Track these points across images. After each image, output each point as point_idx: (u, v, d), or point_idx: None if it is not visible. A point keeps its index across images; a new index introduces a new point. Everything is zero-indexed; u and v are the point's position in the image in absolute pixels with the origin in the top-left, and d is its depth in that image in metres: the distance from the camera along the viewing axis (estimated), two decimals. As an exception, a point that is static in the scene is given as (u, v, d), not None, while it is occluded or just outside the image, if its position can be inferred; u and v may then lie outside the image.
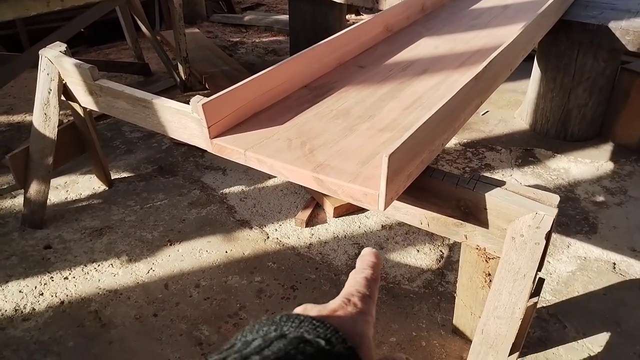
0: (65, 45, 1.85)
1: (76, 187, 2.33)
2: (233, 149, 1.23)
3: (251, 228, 2.11)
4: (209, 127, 1.24)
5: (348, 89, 1.57)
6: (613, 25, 2.28)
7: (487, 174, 2.40)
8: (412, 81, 1.63)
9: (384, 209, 1.06)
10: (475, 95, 1.42)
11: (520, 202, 1.15)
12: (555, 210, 1.12)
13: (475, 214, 1.23)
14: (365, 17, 5.11)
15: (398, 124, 1.35)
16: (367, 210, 2.21)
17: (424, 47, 1.92)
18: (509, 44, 1.57)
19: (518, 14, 2.26)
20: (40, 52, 1.86)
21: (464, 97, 1.31)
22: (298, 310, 0.38)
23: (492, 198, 1.17)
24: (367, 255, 0.48)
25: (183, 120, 1.58)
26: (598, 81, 2.51)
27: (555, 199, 1.15)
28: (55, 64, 1.82)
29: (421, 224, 1.34)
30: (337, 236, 2.07)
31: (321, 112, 1.41)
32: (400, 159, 1.05)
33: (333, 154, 1.20)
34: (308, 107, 1.45)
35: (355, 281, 0.43)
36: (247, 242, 2.03)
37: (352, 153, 1.21)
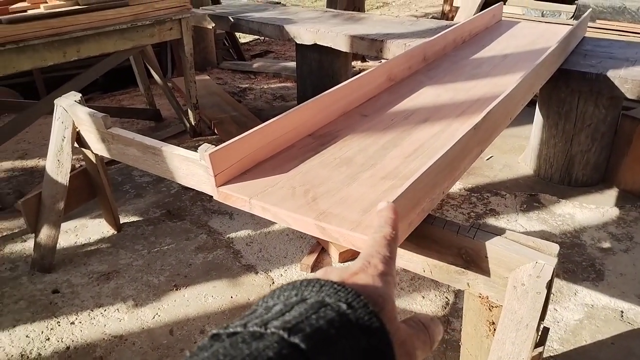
0: (80, 95, 1.93)
1: (85, 231, 2.37)
2: (238, 197, 1.27)
3: (257, 273, 2.12)
4: (215, 176, 1.28)
5: (352, 137, 1.62)
6: (612, 74, 2.34)
7: (492, 220, 2.42)
8: (414, 130, 1.68)
9: (385, 257, 1.08)
10: (475, 144, 1.46)
11: (521, 251, 1.16)
12: (555, 260, 1.14)
13: (477, 262, 1.24)
14: (371, 64, 5.25)
15: (399, 172, 1.38)
16: (372, 255, 2.22)
17: (426, 96, 1.98)
18: (507, 94, 1.62)
19: (518, 64, 2.32)
20: (56, 101, 1.94)
21: (463, 146, 1.35)
22: (319, 274, 0.38)
23: (493, 247, 1.19)
24: (384, 211, 0.46)
25: (191, 167, 1.63)
26: (600, 127, 2.55)
27: (555, 248, 1.16)
28: (70, 113, 1.89)
29: (424, 271, 1.35)
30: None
31: (325, 161, 1.45)
32: (402, 208, 1.08)
33: (335, 202, 1.23)
34: (312, 155, 1.49)
35: (374, 241, 0.42)
36: (252, 288, 2.04)
37: (354, 201, 1.24)
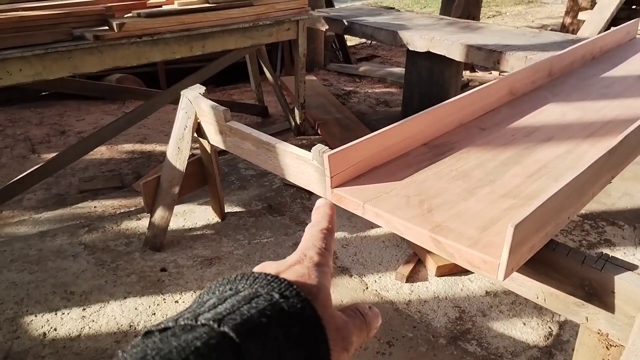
0: (204, 88, 2.04)
1: (193, 216, 2.50)
2: (352, 200, 1.27)
3: (351, 276, 2.12)
4: (331, 177, 1.30)
5: (468, 150, 1.57)
6: None
7: (607, 251, 2.24)
8: (537, 148, 1.59)
9: (503, 279, 1.03)
10: (607, 170, 1.35)
11: (656, 291, 1.06)
12: (698, 306, 1.02)
13: (601, 296, 1.15)
14: (481, 74, 5.08)
15: (521, 192, 1.31)
16: (471, 272, 2.14)
17: (550, 113, 1.87)
18: (647, 119, 1.48)
19: (655, 86, 2.13)
20: (182, 92, 2.06)
21: (595, 171, 1.25)
22: (256, 269, 0.38)
23: (623, 282, 1.09)
24: (321, 207, 0.47)
25: (302, 166, 1.66)
26: None
27: (698, 293, 1.05)
28: (194, 104, 2.01)
29: (537, 298, 1.27)
30: (438, 296, 2.02)
31: (440, 172, 1.42)
32: (525, 230, 1.02)
33: (452, 216, 1.20)
34: (427, 165, 1.46)
35: (311, 235, 0.43)
36: (345, 290, 2.04)
37: (471, 217, 1.20)
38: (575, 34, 4.95)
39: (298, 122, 3.42)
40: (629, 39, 2.92)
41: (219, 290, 0.34)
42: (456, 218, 1.19)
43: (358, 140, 1.39)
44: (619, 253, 2.23)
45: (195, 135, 2.11)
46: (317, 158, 1.63)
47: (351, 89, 4.59)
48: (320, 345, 0.33)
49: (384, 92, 4.56)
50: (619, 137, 1.36)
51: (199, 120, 2.04)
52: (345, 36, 5.29)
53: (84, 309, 1.92)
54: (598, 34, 4.24)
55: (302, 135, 3.45)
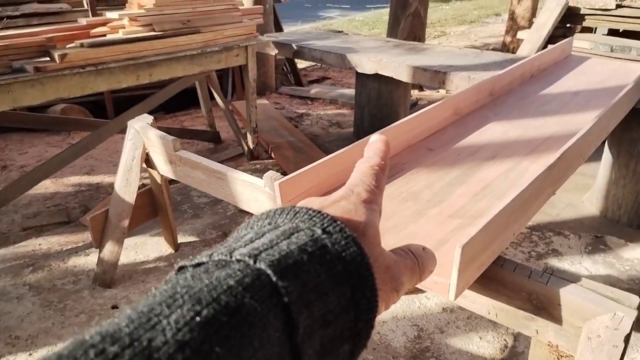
0: (152, 118, 2.01)
1: (145, 248, 2.43)
2: (305, 227, 1.27)
3: (310, 301, 2.11)
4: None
5: (417, 171, 1.60)
6: (691, 115, 2.22)
7: (555, 261, 2.32)
8: (481, 166, 1.64)
9: (454, 299, 1.05)
10: (548, 185, 1.41)
11: (598, 300, 1.11)
12: (636, 312, 1.07)
13: (548, 309, 1.18)
14: (429, 93, 5.22)
15: (467, 211, 1.35)
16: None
17: (493, 132, 1.94)
18: (583, 134, 1.56)
19: (589, 102, 2.25)
20: (129, 123, 2.02)
21: (536, 187, 1.30)
22: (300, 203, 0.36)
23: (568, 294, 1.13)
24: (375, 143, 0.44)
25: (255, 193, 1.65)
26: (675, 170, 2.42)
27: (635, 300, 1.10)
28: (142, 134, 1.97)
29: (489, 314, 1.30)
30: (396, 316, 2.03)
31: (391, 194, 1.44)
32: (473, 250, 1.05)
33: (403, 238, 1.21)
34: (377, 188, 1.48)
35: (360, 171, 0.40)
36: (305, 316, 2.03)
37: (421, 238, 1.22)
38: (515, 52, 5.18)
39: (251, 147, 3.41)
40: (565, 56, 3.08)
41: (257, 225, 0.32)
42: (407, 240, 1.20)
43: (309, 166, 1.40)
44: (567, 262, 2.31)
45: (145, 165, 2.07)
46: (269, 185, 1.63)
47: (303, 111, 4.62)
48: (366, 283, 0.30)
49: (336, 113, 4.61)
50: (557, 153, 1.42)
51: (147, 151, 2.00)
52: (296, 59, 5.35)
53: (30, 354, 1.83)
54: (536, 52, 4.46)
55: (256, 159, 3.44)
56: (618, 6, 4.42)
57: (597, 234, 2.55)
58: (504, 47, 6.76)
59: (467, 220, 1.30)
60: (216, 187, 1.79)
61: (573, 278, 1.17)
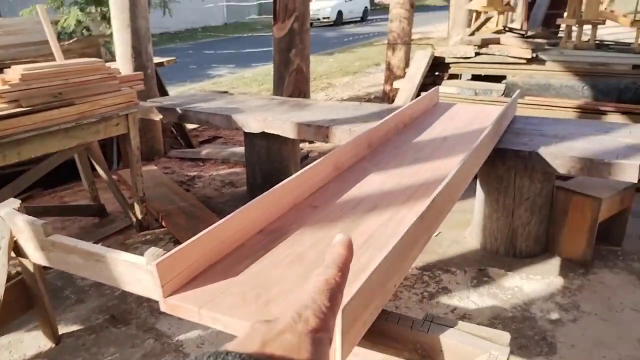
0: (19, 202, 1.86)
1: (21, 346, 2.19)
2: (187, 307, 1.23)
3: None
4: (162, 287, 1.24)
5: (302, 231, 1.62)
6: (543, 151, 2.49)
7: (446, 298, 2.43)
8: (363, 219, 1.70)
9: (343, 361, 1.05)
10: (422, 232, 1.49)
11: (475, 343, 1.17)
12: (508, 349, 1.15)
13: (433, 356, 1.23)
14: (318, 144, 5.39)
15: (351, 267, 1.38)
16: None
17: (372, 183, 2.03)
18: (449, 180, 1.68)
19: (457, 146, 2.44)
20: (-7, 209, 1.86)
21: (411, 237, 1.37)
22: (242, 335, 0.33)
23: (447, 340, 1.19)
24: (336, 246, 0.39)
25: (137, 273, 1.57)
26: (537, 201, 2.68)
27: (507, 337, 1.18)
28: (8, 221, 1.82)
29: (382, 367, 1.32)
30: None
31: (276, 259, 1.44)
32: (355, 309, 1.07)
33: (289, 306, 1.21)
34: (263, 254, 1.47)
35: (314, 287, 0.35)
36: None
37: (307, 303, 1.22)
38: (394, 99, 5.54)
39: (140, 217, 3.26)
40: (433, 104, 3.35)
41: None
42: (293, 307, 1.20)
43: (188, 241, 1.36)
44: (456, 298, 2.43)
45: (14, 254, 1.89)
46: (152, 263, 1.56)
47: (195, 173, 4.54)
48: None
49: (229, 172, 4.59)
50: (427, 200, 1.52)
51: (15, 239, 1.84)
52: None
53: None
54: (411, 99, 4.81)
55: (146, 229, 3.29)
56: (477, 54, 4.94)
57: (480, 266, 2.73)
58: (385, 96, 7.21)
59: (352, 277, 1.32)
60: (96, 270, 1.68)
61: (451, 323, 1.23)
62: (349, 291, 1.06)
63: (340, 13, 20.44)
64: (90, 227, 3.38)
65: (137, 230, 3.27)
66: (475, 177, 2.91)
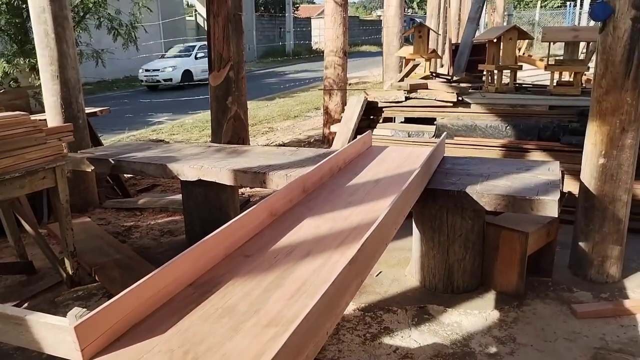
0: None
1: None
2: (110, 370, 1.17)
3: None
4: (82, 350, 1.18)
5: (234, 282, 1.60)
6: (470, 190, 2.60)
7: (387, 338, 2.44)
8: (297, 266, 1.70)
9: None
10: (353, 277, 1.50)
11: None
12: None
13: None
14: (259, 188, 5.37)
15: (283, 317, 1.37)
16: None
17: (307, 228, 2.05)
18: (379, 223, 1.72)
19: (389, 188, 2.52)
20: None
21: (341, 283, 1.38)
22: None
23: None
24: None
25: (60, 335, 1.48)
26: (470, 237, 2.78)
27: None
28: None
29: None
30: None
31: (206, 313, 1.41)
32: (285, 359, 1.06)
33: (218, 361, 1.18)
34: (192, 308, 1.44)
35: None
36: None
37: (237, 357, 1.20)
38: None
39: (70, 273, 3.11)
40: (367, 147, 3.45)
41: None
42: (222, 362, 1.18)
43: (110, 300, 1.31)
44: (397, 338, 2.45)
45: None
46: (75, 324, 1.49)
47: (132, 223, 4.41)
48: None
49: (168, 221, 4.48)
50: (357, 245, 1.55)
51: None
52: (120, 170, 5.15)
53: None
54: (348, 142, 4.92)
55: (78, 285, 3.13)
56: (407, 98, 5.15)
57: (420, 304, 2.77)
58: (324, 139, 7.35)
59: (283, 328, 1.32)
60: (15, 334, 1.57)
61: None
62: (279, 343, 1.05)
63: (188, 73, 16.46)
64: (17, 286, 3.19)
65: (69, 286, 3.10)
66: (411, 216, 2.99)
